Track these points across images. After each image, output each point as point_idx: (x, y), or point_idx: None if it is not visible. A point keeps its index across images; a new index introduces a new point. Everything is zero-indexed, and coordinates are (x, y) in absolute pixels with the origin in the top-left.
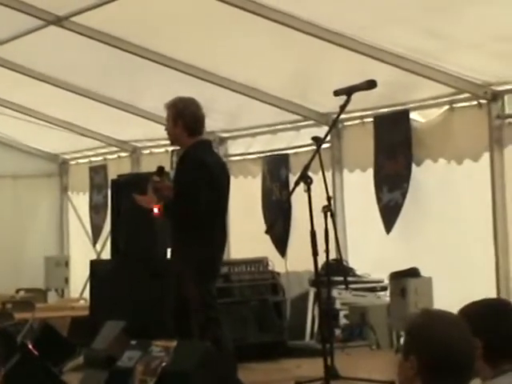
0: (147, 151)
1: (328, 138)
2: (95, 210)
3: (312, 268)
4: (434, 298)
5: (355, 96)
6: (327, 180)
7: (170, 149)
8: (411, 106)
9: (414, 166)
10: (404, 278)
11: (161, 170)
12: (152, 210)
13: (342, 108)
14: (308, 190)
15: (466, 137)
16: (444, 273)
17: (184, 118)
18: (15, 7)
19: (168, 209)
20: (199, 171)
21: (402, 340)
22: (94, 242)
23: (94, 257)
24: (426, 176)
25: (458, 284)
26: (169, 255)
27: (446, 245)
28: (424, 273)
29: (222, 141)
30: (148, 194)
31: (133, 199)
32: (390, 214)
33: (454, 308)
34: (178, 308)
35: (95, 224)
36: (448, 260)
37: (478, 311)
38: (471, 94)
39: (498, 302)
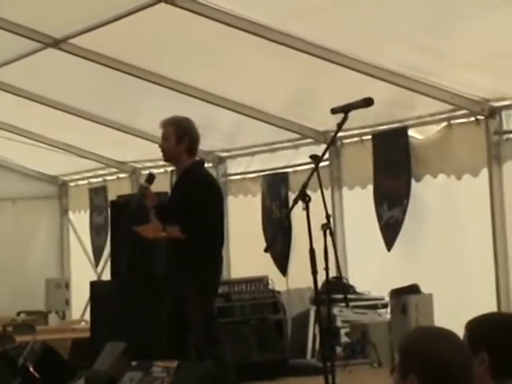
0: (146, 171)
1: (326, 155)
2: (96, 231)
3: (313, 286)
4: (434, 314)
5: (353, 114)
6: (326, 198)
7: (170, 169)
8: (409, 123)
9: (413, 182)
10: (405, 295)
11: (152, 177)
12: (159, 238)
13: (340, 126)
14: (306, 208)
15: (465, 153)
16: (445, 289)
17: (191, 136)
18: (13, 30)
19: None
20: (209, 192)
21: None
22: (96, 264)
23: (95, 278)
24: (426, 192)
25: (458, 300)
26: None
27: (446, 261)
28: (425, 289)
29: (221, 160)
30: (152, 221)
31: (143, 217)
32: (390, 231)
33: (455, 324)
34: (175, 328)
35: (96, 245)
36: (448, 276)
37: (485, 324)
38: (469, 110)
39: (505, 315)
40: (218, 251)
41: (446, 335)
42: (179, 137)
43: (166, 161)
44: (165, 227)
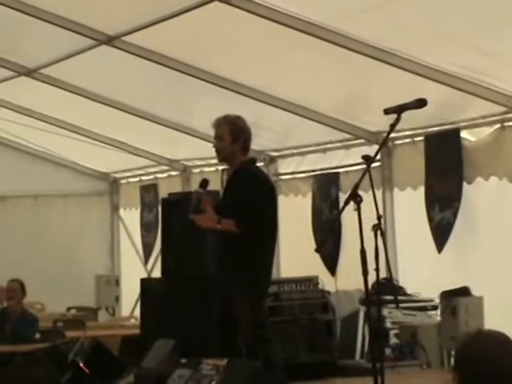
0: (197, 170)
1: (378, 156)
2: (146, 228)
3: (362, 287)
4: (485, 317)
5: (405, 115)
6: (377, 199)
7: (220, 167)
8: (462, 124)
9: (464, 184)
10: (455, 297)
11: (205, 182)
12: (214, 230)
13: (392, 127)
14: (358, 209)
15: None
16: (496, 292)
17: (246, 135)
18: (66, 27)
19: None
20: (263, 190)
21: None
22: (146, 261)
23: (145, 275)
24: (478, 194)
25: (509, 304)
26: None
27: (497, 263)
28: (475, 292)
29: (272, 160)
30: (207, 211)
31: (190, 220)
32: (441, 233)
33: (506, 328)
34: (225, 327)
35: (146, 242)
36: (499, 279)
37: None
38: None
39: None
40: (269, 250)
41: (499, 341)
42: (235, 136)
43: (220, 160)
44: (220, 220)
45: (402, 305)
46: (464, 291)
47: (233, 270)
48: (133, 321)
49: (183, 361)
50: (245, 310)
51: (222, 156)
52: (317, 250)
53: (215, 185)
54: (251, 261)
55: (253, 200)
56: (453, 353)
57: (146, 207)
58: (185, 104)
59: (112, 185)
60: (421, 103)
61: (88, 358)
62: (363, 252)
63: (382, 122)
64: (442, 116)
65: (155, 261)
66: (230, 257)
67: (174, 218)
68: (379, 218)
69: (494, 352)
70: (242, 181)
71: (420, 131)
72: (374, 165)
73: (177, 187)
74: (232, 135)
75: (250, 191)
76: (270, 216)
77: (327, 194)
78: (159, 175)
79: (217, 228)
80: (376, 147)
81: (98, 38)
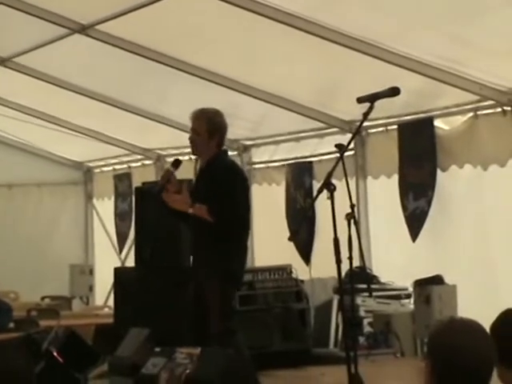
0: (171, 159)
1: (352, 145)
2: (120, 217)
3: (336, 275)
4: (458, 306)
5: (379, 103)
6: (351, 187)
7: (194, 157)
8: (435, 113)
9: (439, 172)
10: (428, 286)
11: (178, 162)
12: (186, 212)
13: (366, 115)
14: (331, 197)
15: (492, 143)
16: (469, 281)
17: (221, 132)
18: (40, 16)
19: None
20: (237, 180)
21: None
22: (120, 250)
23: (119, 264)
24: (452, 182)
25: (482, 292)
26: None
27: (471, 252)
28: (449, 281)
29: (246, 148)
30: (183, 193)
31: (162, 200)
32: (415, 222)
33: (478, 316)
34: (197, 314)
35: (120, 232)
36: (473, 268)
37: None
38: (495, 101)
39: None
40: (242, 239)
41: (470, 329)
42: (211, 133)
43: (194, 154)
44: (194, 204)
45: (375, 293)
46: (437, 280)
47: (208, 260)
48: (107, 310)
49: (157, 349)
50: (215, 300)
51: (196, 150)
52: (290, 239)
53: (189, 174)
54: (226, 251)
55: (228, 192)
56: (426, 341)
57: (119, 196)
58: (158, 93)
59: (86, 174)
60: (394, 92)
61: (62, 347)
62: (336, 241)
63: (356, 111)
64: (415, 104)
65: (129, 250)
66: (205, 247)
67: (147, 207)
68: (352, 206)
69: (467, 340)
70: (217, 171)
71: (393, 120)
72: (347, 153)
73: (151, 176)
74: (208, 132)
75: (225, 183)
76: (245, 207)
77: (301, 183)
78: (133, 164)
79: (188, 211)
80: (350, 136)
81: (72, 26)
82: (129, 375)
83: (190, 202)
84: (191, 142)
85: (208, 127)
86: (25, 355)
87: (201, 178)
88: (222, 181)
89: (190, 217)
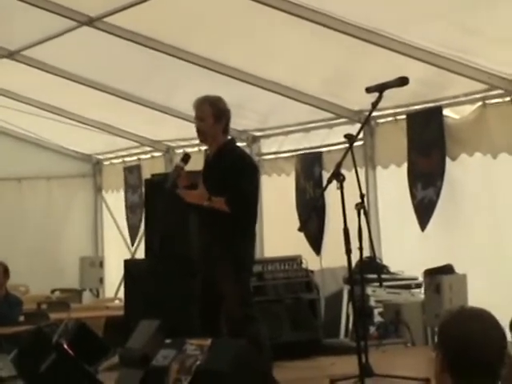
0: (180, 150)
1: (361, 135)
2: (131, 209)
3: (347, 265)
4: (468, 295)
5: (388, 93)
6: (360, 177)
7: (203, 148)
8: (444, 102)
9: (449, 161)
10: (438, 275)
11: (187, 157)
12: (202, 206)
13: (374, 105)
14: (341, 188)
15: (501, 132)
16: (480, 270)
17: (227, 117)
18: (48, 8)
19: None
20: (249, 169)
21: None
22: (132, 243)
23: (129, 256)
24: (462, 171)
25: (493, 281)
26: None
27: (481, 241)
28: (459, 270)
29: (255, 139)
30: (200, 187)
31: (177, 195)
32: (424, 211)
33: (489, 305)
34: (207, 305)
35: (132, 224)
36: (483, 256)
37: None
38: (504, 90)
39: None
40: (254, 229)
41: (480, 318)
42: (217, 117)
43: (201, 141)
44: (210, 196)
45: (385, 283)
46: (447, 269)
47: (220, 246)
48: (117, 302)
49: (168, 341)
50: (232, 286)
51: (203, 137)
52: (300, 229)
53: (198, 166)
54: (239, 240)
55: (243, 181)
56: (436, 330)
57: (129, 188)
58: (168, 85)
59: (95, 166)
60: (402, 81)
61: (72, 339)
62: (346, 231)
63: (365, 101)
64: (424, 94)
65: (140, 242)
66: (218, 236)
67: (157, 198)
68: (362, 196)
69: (477, 329)
70: (228, 161)
71: (402, 109)
72: (356, 143)
73: (160, 168)
74: (214, 116)
75: (239, 172)
76: (256, 195)
77: (310, 174)
78: (142, 156)
79: (205, 205)
80: (359, 126)
81: (80, 19)
82: (139, 367)
83: (207, 195)
84: (198, 130)
85: (213, 111)
86: (35, 348)
87: (211, 167)
88: (237, 170)
89: (203, 208)
